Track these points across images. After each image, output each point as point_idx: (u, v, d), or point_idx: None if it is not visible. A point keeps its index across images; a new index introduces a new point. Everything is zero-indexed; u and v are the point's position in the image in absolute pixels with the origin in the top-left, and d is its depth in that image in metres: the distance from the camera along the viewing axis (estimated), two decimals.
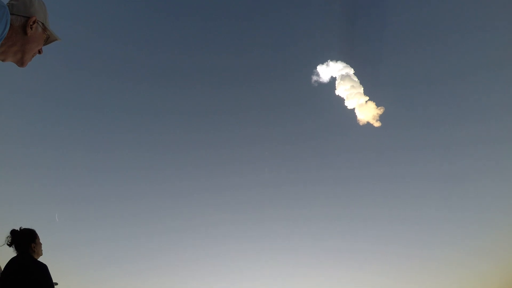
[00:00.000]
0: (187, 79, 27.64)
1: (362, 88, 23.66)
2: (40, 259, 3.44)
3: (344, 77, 23.33)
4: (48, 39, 1.42)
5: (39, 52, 1.41)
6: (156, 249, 23.41)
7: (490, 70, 22.86)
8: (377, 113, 23.62)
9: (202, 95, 27.91)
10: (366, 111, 23.66)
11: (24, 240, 3.35)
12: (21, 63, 1.35)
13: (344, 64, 23.71)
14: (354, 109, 23.89)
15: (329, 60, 23.85)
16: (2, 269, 3.28)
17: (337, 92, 23.59)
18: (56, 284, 3.28)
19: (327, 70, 23.74)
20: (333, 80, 23.85)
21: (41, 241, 3.50)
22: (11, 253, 3.35)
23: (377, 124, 23.76)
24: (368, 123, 23.83)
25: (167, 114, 27.18)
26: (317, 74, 24.16)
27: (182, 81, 27.43)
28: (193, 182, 26.07)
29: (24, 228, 3.43)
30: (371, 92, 24.12)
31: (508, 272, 17.82)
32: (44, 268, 3.27)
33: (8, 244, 3.35)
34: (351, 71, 23.63)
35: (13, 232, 3.38)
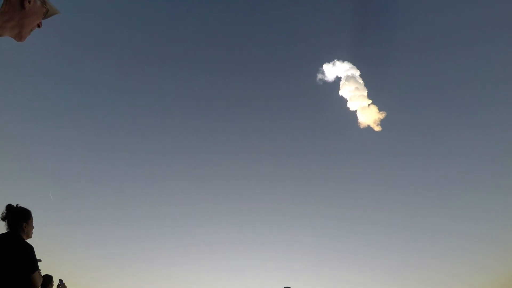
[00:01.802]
0: (195, 74, 27.51)
1: (366, 91, 23.59)
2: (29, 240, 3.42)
3: (349, 78, 23.22)
4: (48, 13, 1.35)
5: (39, 26, 1.34)
6: (153, 235, 23.51)
7: (495, 79, 22.76)
8: (379, 118, 23.59)
9: (206, 88, 27.80)
10: (368, 115, 23.61)
11: (18, 218, 3.32)
12: (19, 37, 1.29)
13: (351, 65, 23.60)
14: (356, 111, 23.86)
15: (335, 60, 23.73)
16: None
17: (340, 93, 23.53)
18: (40, 260, 3.27)
19: (333, 70, 23.63)
20: (338, 80, 23.76)
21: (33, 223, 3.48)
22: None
23: (377, 128, 23.74)
24: (368, 126, 23.82)
25: (170, 109, 27.08)
26: (323, 73, 24.06)
27: (189, 75, 27.31)
28: (194, 178, 26.08)
29: (20, 206, 3.40)
30: (375, 96, 24.08)
31: (500, 283, 17.95)
32: (31, 249, 3.28)
33: (1, 218, 3.33)
34: (356, 72, 23.53)
35: (8, 207, 3.35)
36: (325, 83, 24.52)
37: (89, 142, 24.65)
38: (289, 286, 5.89)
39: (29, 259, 3.24)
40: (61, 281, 5.76)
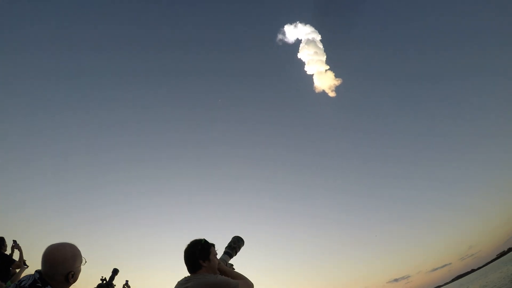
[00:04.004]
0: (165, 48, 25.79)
1: (325, 57, 23.76)
2: None
3: (310, 42, 23.24)
4: None
5: None
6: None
7: (451, 47, 23.70)
8: (334, 84, 23.99)
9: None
10: (324, 80, 23.96)
11: None
12: None
13: (313, 29, 23.50)
14: (312, 75, 24.06)
15: (298, 22, 23.40)
16: None
17: (299, 55, 23.48)
18: None
19: (294, 31, 23.35)
20: (298, 42, 23.60)
21: None
22: None
23: (332, 94, 24.20)
24: (323, 91, 24.19)
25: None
26: (283, 33, 23.69)
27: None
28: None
29: None
30: (333, 62, 24.35)
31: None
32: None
33: None
34: (318, 37, 23.53)
35: None
36: (285, 44, 24.31)
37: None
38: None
39: None
40: (14, 241, 5.72)
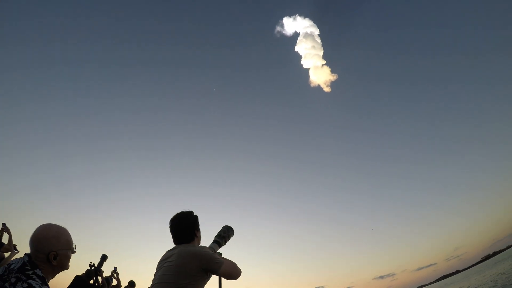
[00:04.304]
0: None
1: (322, 51, 23.85)
2: None
3: (308, 35, 23.30)
4: None
5: None
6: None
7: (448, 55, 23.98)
8: (330, 79, 24.10)
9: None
10: (320, 74, 24.05)
11: None
12: None
13: (311, 23, 23.52)
14: (308, 69, 24.10)
15: (297, 15, 23.40)
16: None
17: (296, 49, 23.49)
18: None
19: (292, 24, 23.35)
20: (296, 35, 23.61)
21: None
22: None
23: (327, 89, 24.32)
24: (318, 86, 24.29)
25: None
26: (282, 25, 23.68)
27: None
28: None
29: None
30: (330, 57, 24.48)
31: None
32: None
33: None
34: (316, 31, 23.59)
35: None
36: (283, 36, 24.34)
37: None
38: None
39: None
40: (3, 224, 5.62)
